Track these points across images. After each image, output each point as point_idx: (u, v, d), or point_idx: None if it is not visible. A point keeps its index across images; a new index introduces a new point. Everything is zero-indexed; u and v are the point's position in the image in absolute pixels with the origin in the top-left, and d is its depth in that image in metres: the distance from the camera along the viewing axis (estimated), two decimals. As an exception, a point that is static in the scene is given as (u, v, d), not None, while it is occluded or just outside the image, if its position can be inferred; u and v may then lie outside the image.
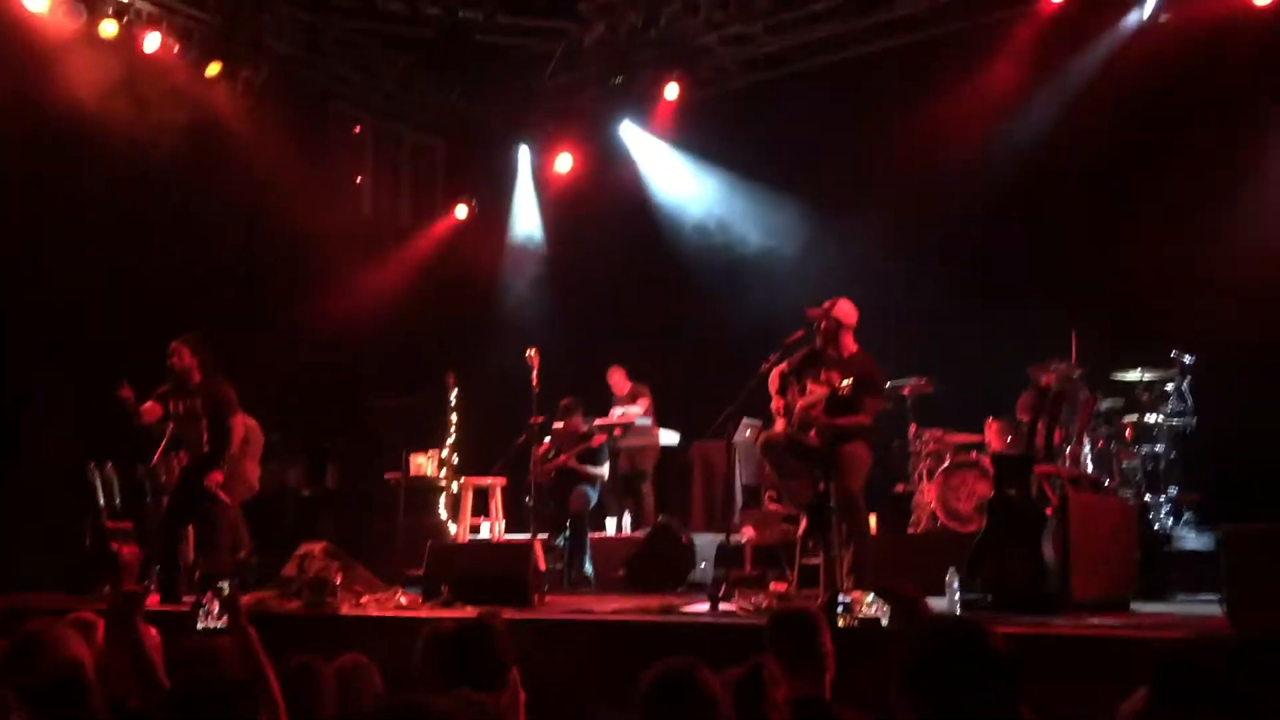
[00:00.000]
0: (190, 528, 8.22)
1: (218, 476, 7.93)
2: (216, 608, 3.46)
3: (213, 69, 10.97)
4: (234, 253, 10.91)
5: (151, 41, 10.50)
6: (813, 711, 3.24)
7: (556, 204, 13.29)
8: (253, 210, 11.15)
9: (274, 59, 11.41)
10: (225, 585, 3.57)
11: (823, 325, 7.17)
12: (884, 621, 3.12)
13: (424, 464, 9.92)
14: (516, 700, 2.35)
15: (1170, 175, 9.31)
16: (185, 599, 7.21)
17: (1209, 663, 2.04)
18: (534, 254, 13.37)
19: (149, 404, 8.11)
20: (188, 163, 10.70)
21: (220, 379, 8.14)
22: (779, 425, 7.32)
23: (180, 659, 3.55)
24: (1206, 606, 6.29)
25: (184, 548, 8.14)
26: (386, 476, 10.05)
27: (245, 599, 7.46)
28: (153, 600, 5.63)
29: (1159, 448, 8.50)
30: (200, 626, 3.50)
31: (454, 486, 10.02)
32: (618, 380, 11.05)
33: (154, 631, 4.13)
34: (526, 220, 13.50)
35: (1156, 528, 8.08)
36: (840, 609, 3.22)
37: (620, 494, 10.72)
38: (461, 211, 13.34)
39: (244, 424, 8.36)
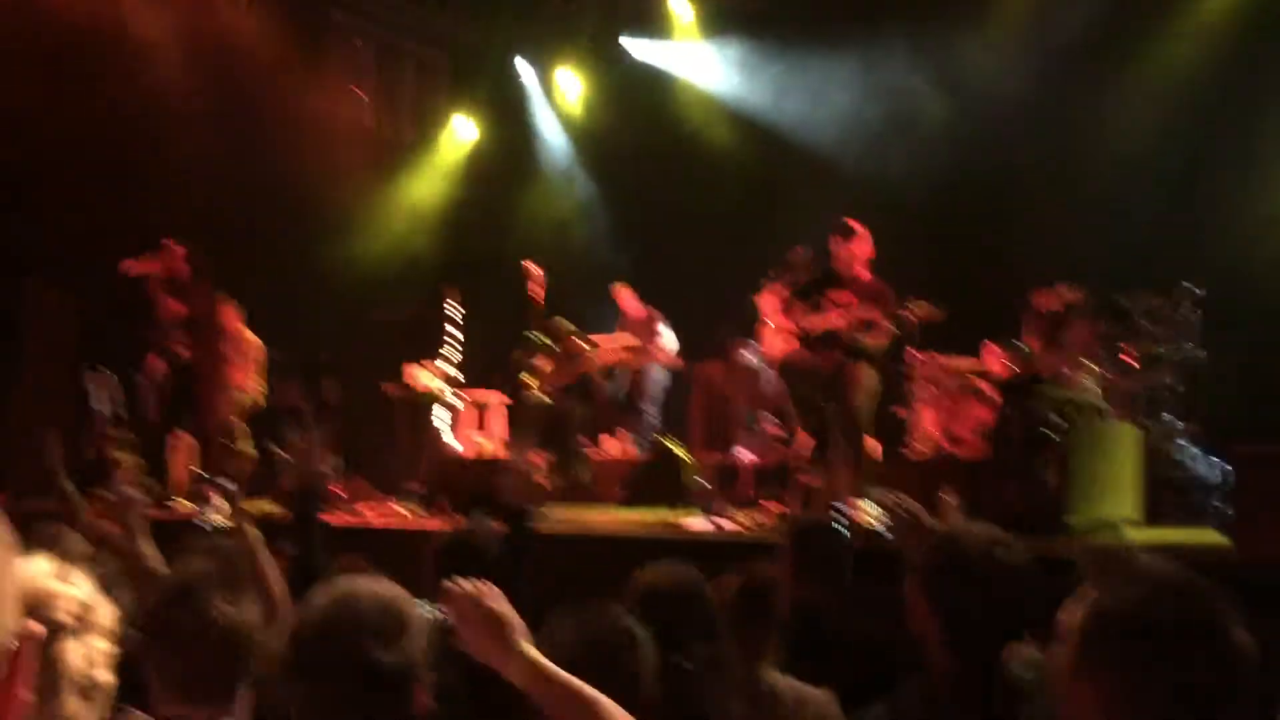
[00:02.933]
0: (192, 438, 8.23)
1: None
2: (222, 505, 3.44)
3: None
4: (234, 165, 10.77)
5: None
6: (824, 618, 3.26)
7: (565, 119, 13.18)
8: (253, 122, 11.01)
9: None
10: (228, 484, 3.55)
11: (844, 239, 7.14)
12: (885, 534, 3.10)
13: (424, 377, 9.88)
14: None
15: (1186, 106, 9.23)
16: (178, 506, 7.23)
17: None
18: (543, 169, 13.27)
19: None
20: (184, 73, 10.53)
21: (209, 289, 8.07)
22: (781, 346, 7.30)
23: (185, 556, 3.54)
24: (1208, 531, 6.33)
25: (179, 456, 8.15)
26: (384, 388, 10.03)
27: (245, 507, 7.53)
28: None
29: (1164, 376, 8.48)
30: (203, 524, 3.48)
31: (455, 401, 10.00)
32: (627, 299, 10.96)
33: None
34: (533, 135, 13.36)
35: (1159, 455, 8.07)
36: (841, 519, 3.20)
37: (621, 413, 10.71)
38: (465, 126, 13.18)
39: (239, 336, 8.31)
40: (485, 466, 8.36)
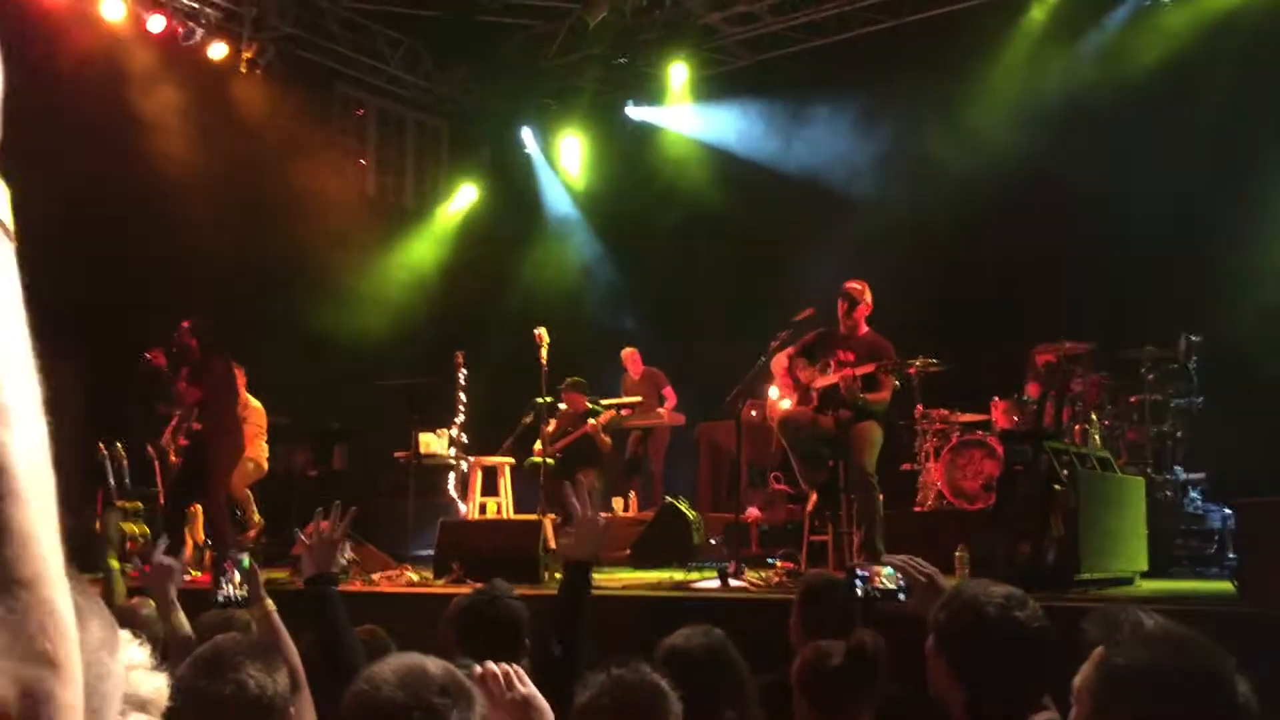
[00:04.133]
0: (205, 509, 8.25)
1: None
2: (237, 577, 3.48)
3: (217, 51, 10.98)
4: (238, 234, 10.91)
5: (156, 23, 10.50)
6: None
7: (567, 181, 13.33)
8: (257, 192, 11.16)
9: (279, 41, 11.40)
10: (245, 556, 3.59)
11: (849, 306, 7.20)
12: (901, 595, 3.11)
13: (433, 443, 9.93)
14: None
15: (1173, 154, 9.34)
16: (191, 577, 7.24)
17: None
18: (546, 231, 13.41)
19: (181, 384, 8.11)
20: (192, 144, 10.70)
21: (215, 363, 8.11)
22: (789, 405, 7.36)
23: (203, 628, 3.58)
24: (1215, 582, 6.34)
25: (190, 527, 8.17)
26: (395, 456, 10.08)
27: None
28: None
29: (1166, 426, 8.51)
30: (220, 597, 3.52)
31: (463, 465, 10.03)
32: (632, 362, 11.06)
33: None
34: (535, 198, 13.51)
35: (1164, 505, 8.09)
36: (858, 582, 3.22)
37: (628, 474, 10.74)
38: (465, 192, 13.35)
39: (244, 402, 8.36)
40: (497, 530, 8.38)
